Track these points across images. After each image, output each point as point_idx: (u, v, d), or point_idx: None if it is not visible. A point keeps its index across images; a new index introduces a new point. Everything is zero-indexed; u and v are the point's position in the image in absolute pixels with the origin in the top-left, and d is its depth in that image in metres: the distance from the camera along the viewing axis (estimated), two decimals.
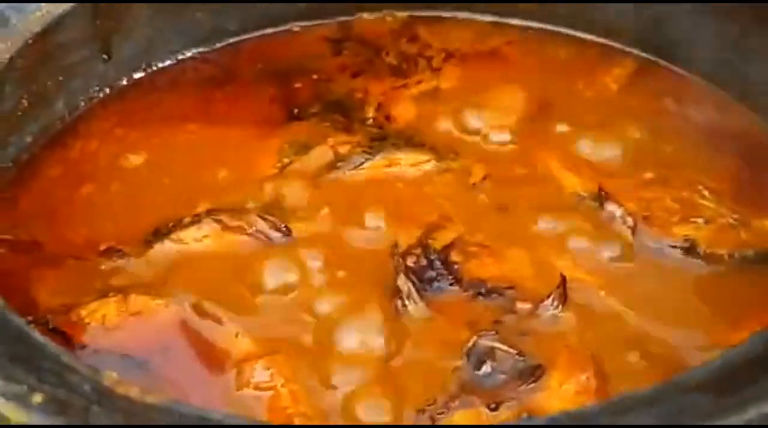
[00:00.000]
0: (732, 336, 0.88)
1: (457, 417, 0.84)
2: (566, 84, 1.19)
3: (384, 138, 1.11)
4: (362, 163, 1.07)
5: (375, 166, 1.07)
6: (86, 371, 0.67)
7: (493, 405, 0.84)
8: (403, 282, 0.93)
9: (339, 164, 1.08)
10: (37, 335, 0.72)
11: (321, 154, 1.09)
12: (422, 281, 0.94)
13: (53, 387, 0.65)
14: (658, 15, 1.20)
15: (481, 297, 0.93)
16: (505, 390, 0.85)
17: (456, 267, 0.96)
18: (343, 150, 1.09)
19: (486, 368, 0.87)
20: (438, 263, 0.95)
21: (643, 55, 1.22)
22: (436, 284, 0.94)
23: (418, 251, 0.96)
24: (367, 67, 1.23)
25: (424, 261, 0.95)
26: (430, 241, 0.98)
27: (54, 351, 0.69)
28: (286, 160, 1.09)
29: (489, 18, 1.28)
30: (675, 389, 0.66)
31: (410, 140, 1.11)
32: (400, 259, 0.94)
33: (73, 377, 0.67)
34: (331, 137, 1.11)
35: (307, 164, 1.08)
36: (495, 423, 0.83)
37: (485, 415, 0.84)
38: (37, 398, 0.65)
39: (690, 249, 0.97)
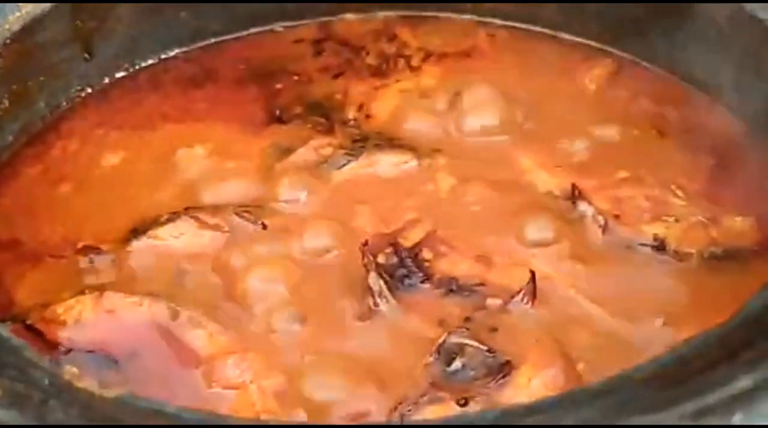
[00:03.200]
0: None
1: (427, 413, 0.84)
2: (545, 83, 1.19)
3: (365, 139, 1.12)
4: (344, 164, 1.08)
5: (357, 166, 1.08)
6: (47, 365, 0.68)
7: (462, 401, 0.85)
8: (374, 281, 0.93)
9: (322, 166, 1.08)
10: (1, 329, 0.73)
11: (304, 156, 1.10)
12: (394, 279, 0.94)
13: (12, 381, 0.66)
14: (636, 16, 1.21)
15: (452, 294, 0.94)
16: (475, 386, 0.86)
17: (427, 264, 0.96)
18: (326, 152, 1.10)
19: (456, 364, 0.87)
20: (409, 261, 0.96)
21: (622, 55, 1.22)
22: (407, 282, 0.95)
23: (389, 249, 0.97)
24: (348, 68, 1.24)
25: (395, 259, 0.96)
26: (400, 239, 0.98)
27: (17, 345, 0.70)
28: (268, 162, 1.10)
29: (469, 18, 1.29)
30: (622, 382, 0.66)
31: (391, 141, 1.11)
32: (371, 257, 0.95)
33: (33, 371, 0.68)
34: (313, 139, 1.12)
35: (290, 166, 1.09)
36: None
37: (454, 411, 0.84)
38: None
39: (659, 247, 0.98)
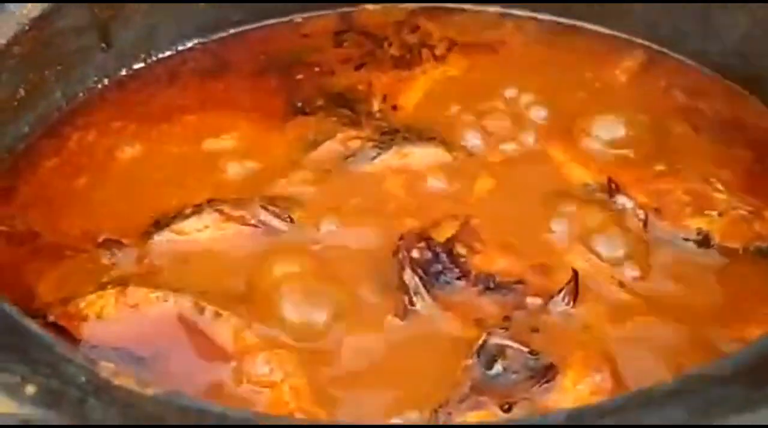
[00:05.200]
0: (747, 329, 0.86)
1: (469, 419, 0.81)
2: (575, 75, 1.17)
3: (394, 131, 1.09)
4: (374, 158, 1.05)
5: (387, 160, 1.05)
6: (82, 362, 0.65)
7: (506, 406, 0.82)
8: (409, 277, 0.90)
9: (350, 159, 1.05)
10: (32, 325, 0.70)
11: (331, 149, 1.07)
12: (428, 275, 0.91)
13: (47, 378, 0.63)
14: (668, 6, 1.18)
15: (489, 292, 0.91)
16: (518, 390, 0.83)
17: (462, 260, 0.93)
18: (354, 145, 1.07)
19: (497, 367, 0.84)
20: (444, 256, 0.92)
21: (653, 46, 1.20)
22: (442, 278, 0.92)
23: (422, 244, 0.93)
24: (370, 59, 1.21)
25: (428, 255, 0.92)
26: (433, 235, 0.95)
27: (49, 341, 0.67)
28: (294, 155, 1.07)
29: (495, 9, 1.26)
30: (701, 381, 0.63)
31: (421, 133, 1.08)
32: (405, 253, 0.92)
33: (68, 368, 0.64)
34: (339, 132, 1.08)
35: (317, 159, 1.06)
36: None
37: (498, 416, 0.81)
38: (30, 389, 0.62)
39: (703, 241, 0.95)
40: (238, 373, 0.86)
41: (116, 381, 0.63)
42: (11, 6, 1.06)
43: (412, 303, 0.89)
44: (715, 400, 0.61)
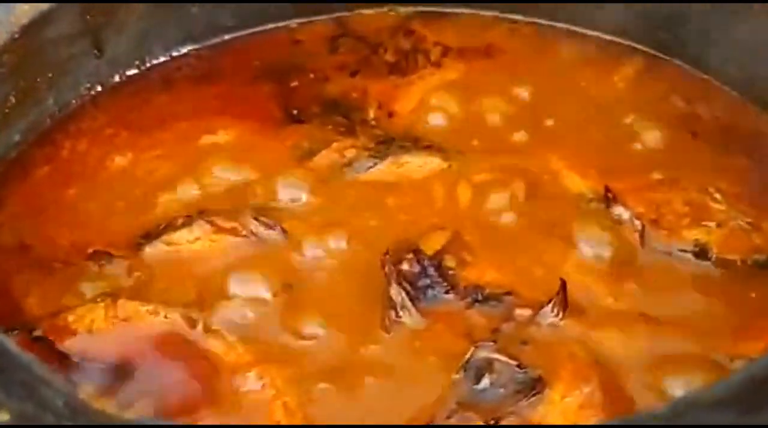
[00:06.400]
0: (745, 344, 0.85)
1: None
2: (572, 82, 1.15)
3: (390, 140, 1.07)
4: (371, 168, 1.04)
5: (384, 169, 1.04)
6: (60, 384, 0.63)
7: (492, 422, 0.81)
8: (396, 293, 0.89)
9: (346, 169, 1.04)
10: (9, 343, 0.68)
11: (327, 158, 1.05)
12: (416, 289, 0.90)
13: (22, 401, 0.61)
14: (667, 12, 1.17)
15: (478, 305, 0.90)
16: (505, 404, 0.82)
17: (451, 273, 0.92)
18: (350, 154, 1.05)
19: (485, 382, 0.83)
20: (432, 269, 0.91)
21: (651, 52, 1.18)
22: (430, 292, 0.90)
23: (410, 256, 0.92)
24: (365, 65, 1.20)
25: (417, 268, 0.91)
26: (422, 246, 0.93)
27: (26, 361, 0.65)
28: (288, 164, 1.05)
29: (491, 14, 1.25)
30: (694, 406, 0.61)
31: (417, 142, 1.07)
32: (392, 267, 0.90)
33: (46, 391, 0.63)
34: (335, 142, 1.07)
35: (312, 168, 1.05)
36: None
37: None
38: (4, 416, 0.61)
39: (701, 253, 0.94)
40: (229, 389, 0.84)
41: (95, 406, 0.62)
42: (0, 13, 1.05)
43: (398, 317, 0.88)
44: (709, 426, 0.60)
